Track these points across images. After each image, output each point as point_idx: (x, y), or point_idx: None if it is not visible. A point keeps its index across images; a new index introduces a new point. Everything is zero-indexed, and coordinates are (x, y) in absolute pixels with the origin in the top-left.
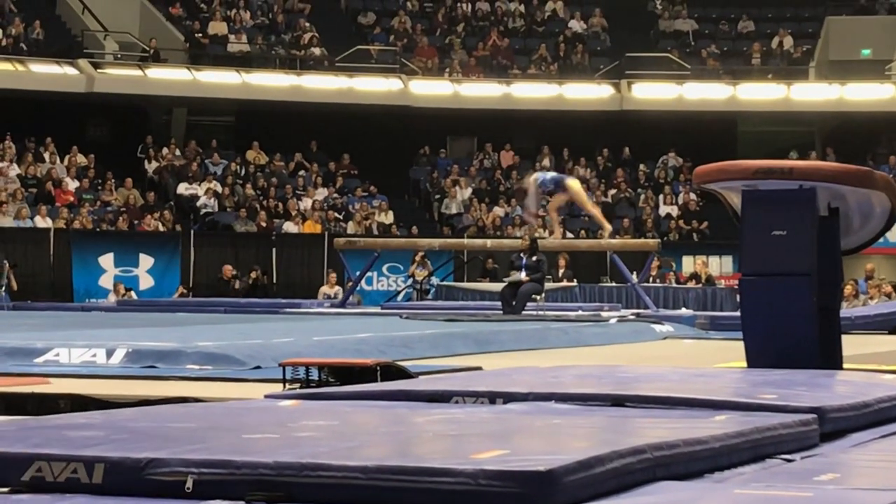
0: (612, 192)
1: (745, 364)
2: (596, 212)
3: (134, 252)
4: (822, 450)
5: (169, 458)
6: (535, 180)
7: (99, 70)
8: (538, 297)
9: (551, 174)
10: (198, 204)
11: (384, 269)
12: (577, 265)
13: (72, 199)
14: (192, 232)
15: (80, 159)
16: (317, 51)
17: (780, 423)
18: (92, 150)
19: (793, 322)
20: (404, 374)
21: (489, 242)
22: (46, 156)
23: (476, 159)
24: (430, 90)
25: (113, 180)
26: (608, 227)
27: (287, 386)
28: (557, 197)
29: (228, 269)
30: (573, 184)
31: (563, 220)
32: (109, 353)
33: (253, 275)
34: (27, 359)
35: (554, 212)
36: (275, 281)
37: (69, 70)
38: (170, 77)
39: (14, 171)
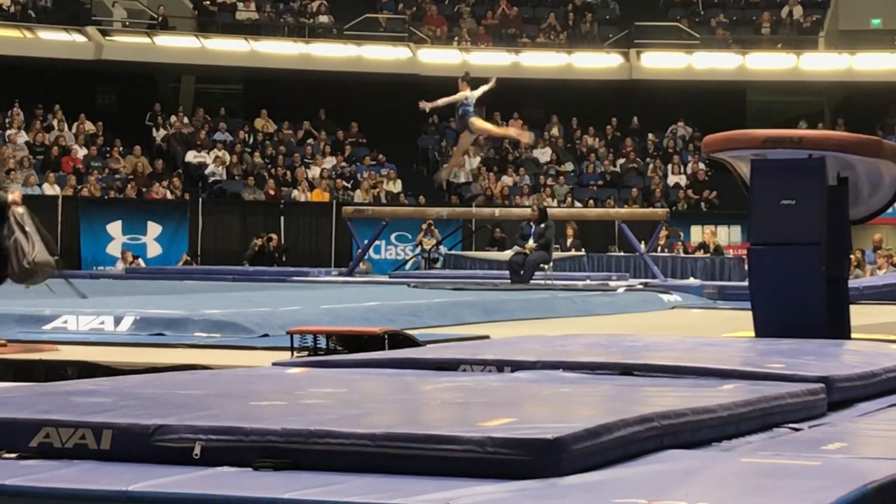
0: (621, 161)
1: (752, 333)
2: (507, 132)
3: (142, 220)
4: (829, 419)
5: (177, 425)
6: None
7: (107, 37)
8: (546, 267)
9: (468, 106)
10: (206, 172)
11: (392, 237)
12: (586, 234)
13: (80, 166)
14: (200, 200)
15: (89, 127)
16: (325, 19)
17: (788, 393)
18: (100, 117)
19: (801, 291)
20: (412, 342)
21: (497, 211)
22: (55, 123)
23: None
24: (439, 59)
25: (121, 148)
26: (525, 136)
27: (295, 354)
28: (464, 137)
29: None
30: (475, 121)
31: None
32: (117, 321)
33: (258, 241)
34: (35, 326)
35: (459, 155)
36: (283, 246)
37: (77, 37)
38: (178, 45)
39: (22, 138)
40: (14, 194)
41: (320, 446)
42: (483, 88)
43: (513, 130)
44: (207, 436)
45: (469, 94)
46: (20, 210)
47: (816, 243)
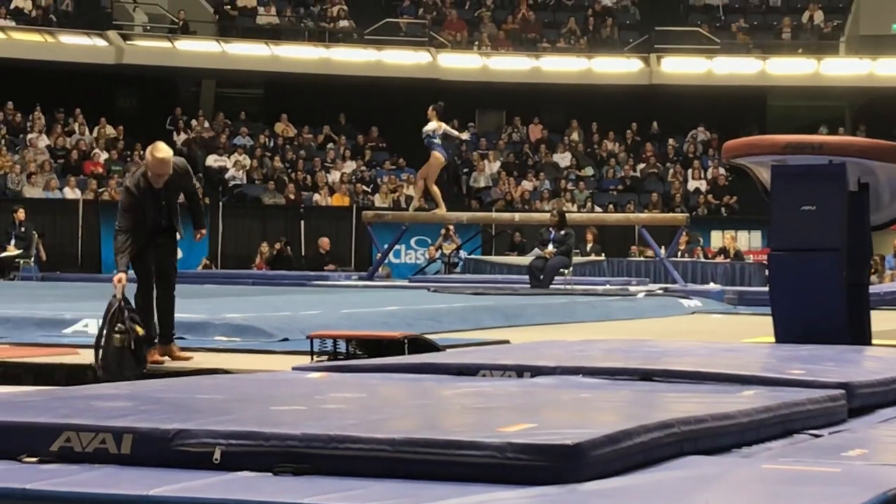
0: (641, 166)
1: (773, 339)
2: (424, 191)
3: None
4: (849, 425)
5: (197, 430)
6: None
7: (128, 42)
8: (566, 271)
9: (437, 141)
10: (226, 176)
11: (412, 242)
12: (605, 239)
13: (101, 170)
14: (220, 204)
15: (109, 131)
16: (346, 23)
17: (808, 399)
18: (121, 121)
19: (821, 297)
20: (432, 347)
21: (517, 216)
22: (76, 127)
23: (504, 133)
24: (459, 63)
25: (142, 152)
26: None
27: (315, 358)
28: (431, 167)
29: (325, 242)
30: (434, 158)
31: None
32: None
33: (277, 246)
34: (56, 329)
35: (420, 179)
36: (302, 254)
37: (98, 42)
38: (199, 49)
39: (43, 142)
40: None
41: (340, 451)
42: (453, 133)
43: (418, 191)
44: (227, 440)
45: (437, 127)
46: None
47: (837, 249)
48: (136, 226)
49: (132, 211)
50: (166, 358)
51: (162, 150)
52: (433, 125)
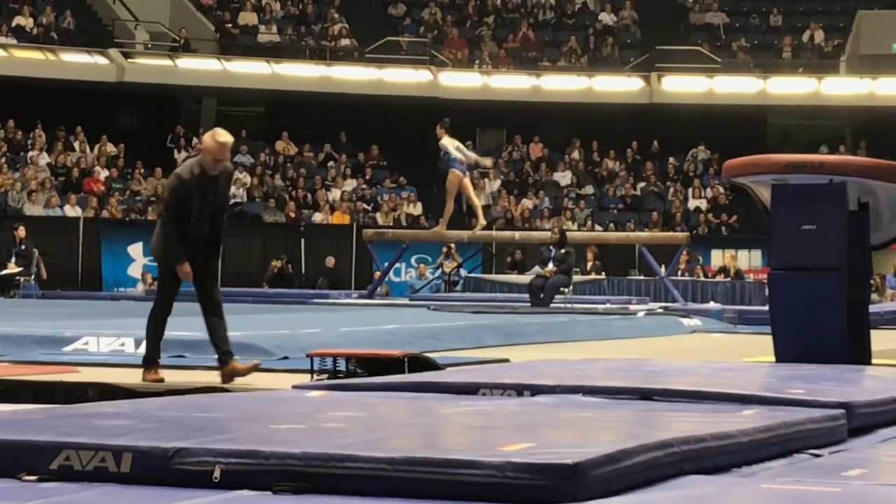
0: (642, 185)
1: (773, 358)
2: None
3: None
4: (849, 445)
5: (197, 448)
6: (448, 144)
7: (129, 60)
8: (566, 290)
9: (452, 155)
10: None
11: (412, 260)
12: (606, 258)
13: (101, 188)
14: None
15: (110, 148)
16: (347, 42)
17: (808, 418)
18: (122, 139)
19: (821, 317)
20: (432, 365)
21: (517, 235)
22: (76, 145)
23: (505, 151)
24: (460, 82)
25: (142, 170)
26: (481, 221)
27: (315, 376)
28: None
29: (331, 261)
30: (451, 176)
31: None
32: (138, 343)
33: (278, 264)
34: (56, 347)
35: (472, 197)
36: (303, 272)
37: (100, 59)
38: (200, 67)
39: (44, 159)
40: None
41: (339, 470)
42: (472, 156)
43: (478, 212)
44: (227, 459)
45: (448, 144)
46: None
47: (837, 268)
48: (181, 219)
49: (178, 197)
50: (162, 375)
51: (223, 134)
52: (445, 142)
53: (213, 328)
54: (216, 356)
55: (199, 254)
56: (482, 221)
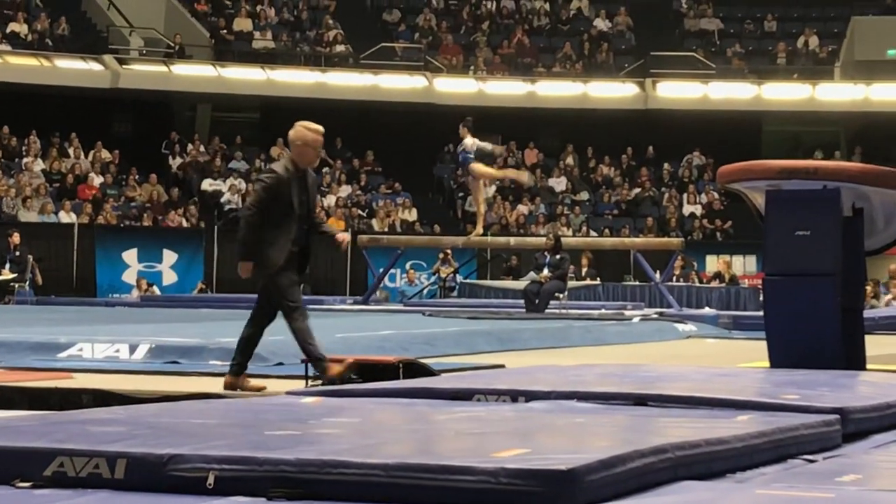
0: (637, 190)
1: (767, 364)
2: (506, 174)
3: (157, 248)
4: (844, 450)
5: (191, 455)
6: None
7: (124, 66)
8: (561, 296)
9: (469, 154)
10: (221, 200)
11: (407, 266)
12: (601, 264)
13: (96, 194)
14: (215, 228)
15: (105, 155)
16: (341, 48)
17: (803, 424)
18: (116, 145)
19: (816, 322)
20: (427, 371)
21: (512, 240)
22: (71, 151)
23: (500, 157)
24: (455, 88)
25: (137, 176)
26: (524, 176)
27: (309, 382)
28: (472, 184)
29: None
30: (475, 167)
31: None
32: (132, 349)
33: None
34: (51, 353)
35: (479, 203)
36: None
37: (94, 66)
38: (195, 73)
39: (39, 165)
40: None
41: (334, 476)
42: (488, 147)
43: (511, 172)
44: (221, 465)
45: (470, 143)
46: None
47: (832, 274)
48: (282, 220)
49: (272, 191)
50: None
51: (313, 124)
52: (468, 141)
53: (247, 336)
54: (230, 362)
55: (297, 263)
56: (479, 230)
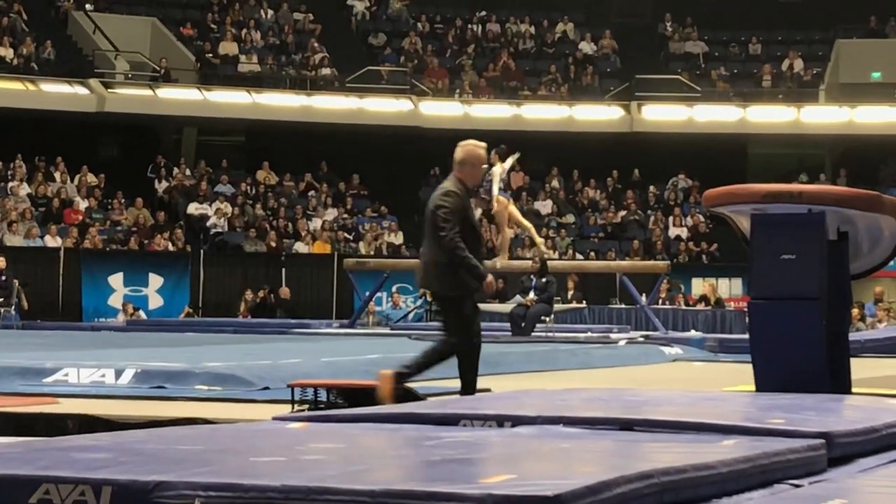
0: (622, 213)
1: (753, 388)
2: (531, 229)
3: (143, 272)
4: (830, 475)
5: (176, 481)
6: (498, 173)
7: (110, 90)
8: (547, 319)
9: (494, 181)
10: (208, 224)
11: (394, 289)
12: (587, 287)
13: (82, 218)
14: (201, 252)
15: (91, 179)
16: (327, 71)
17: (789, 449)
18: (102, 169)
19: (801, 346)
20: (413, 396)
21: (498, 263)
22: (57, 175)
23: (486, 180)
24: (441, 111)
25: (123, 200)
26: (541, 244)
27: (295, 407)
28: (498, 215)
29: (286, 291)
30: (502, 203)
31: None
32: (118, 374)
33: (261, 294)
34: (36, 378)
35: (505, 233)
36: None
37: (80, 90)
38: (180, 97)
39: (24, 190)
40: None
41: (319, 503)
42: (511, 160)
43: (533, 230)
44: (207, 492)
45: (499, 172)
46: None
47: (817, 298)
48: (467, 243)
49: (458, 214)
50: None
51: (477, 142)
52: (498, 169)
53: (427, 351)
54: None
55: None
56: (504, 257)
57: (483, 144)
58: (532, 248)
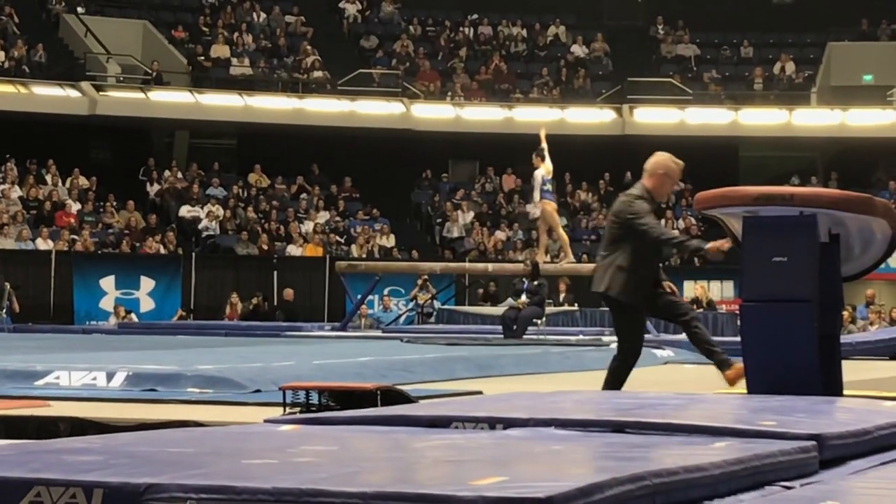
0: None
1: (744, 390)
2: (565, 241)
3: (135, 274)
4: (821, 477)
5: (168, 484)
6: (540, 176)
7: (101, 93)
8: (539, 322)
9: (547, 186)
10: (199, 227)
11: (385, 292)
12: (579, 289)
13: (73, 221)
14: (193, 255)
15: (82, 181)
16: (319, 74)
17: (780, 450)
18: (94, 172)
19: (793, 348)
20: (405, 398)
21: (490, 266)
22: (48, 178)
23: (478, 183)
24: (433, 114)
25: (115, 203)
26: (569, 255)
27: (287, 410)
28: (540, 221)
29: (289, 293)
30: (547, 206)
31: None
32: (110, 376)
33: (254, 301)
34: (27, 381)
35: (543, 234)
36: (275, 304)
37: (72, 92)
38: (172, 100)
39: (16, 193)
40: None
41: None
42: (544, 150)
43: (566, 242)
44: (199, 494)
45: (540, 175)
46: None
47: (808, 300)
48: (640, 251)
49: (652, 213)
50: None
51: (677, 160)
52: (542, 171)
53: (695, 338)
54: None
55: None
56: (569, 256)
57: (679, 162)
58: (524, 251)
